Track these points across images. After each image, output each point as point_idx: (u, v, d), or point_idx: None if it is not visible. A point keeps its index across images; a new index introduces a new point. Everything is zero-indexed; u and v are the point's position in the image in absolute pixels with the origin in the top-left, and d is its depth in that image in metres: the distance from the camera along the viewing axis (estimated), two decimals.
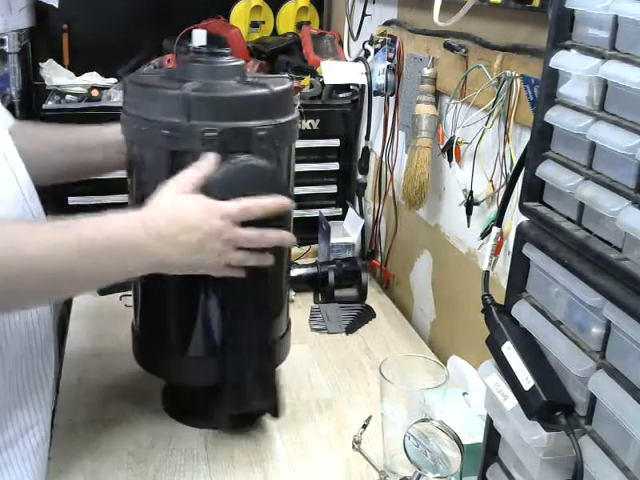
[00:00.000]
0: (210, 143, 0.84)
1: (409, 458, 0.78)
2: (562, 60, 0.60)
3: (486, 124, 1.06)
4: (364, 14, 1.57)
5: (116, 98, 1.69)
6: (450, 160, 1.18)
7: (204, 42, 0.97)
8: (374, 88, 1.48)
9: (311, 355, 1.26)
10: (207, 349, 0.98)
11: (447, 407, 0.92)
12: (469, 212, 1.15)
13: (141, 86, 0.91)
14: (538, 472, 0.62)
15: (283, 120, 0.90)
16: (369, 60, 1.51)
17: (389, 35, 1.45)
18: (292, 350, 1.22)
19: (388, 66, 1.44)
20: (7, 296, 0.72)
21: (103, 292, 1.43)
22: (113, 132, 0.96)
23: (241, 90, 0.90)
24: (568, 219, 0.61)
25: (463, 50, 1.14)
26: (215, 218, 0.81)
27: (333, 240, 1.54)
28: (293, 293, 1.42)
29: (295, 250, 1.61)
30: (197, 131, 0.84)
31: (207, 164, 0.84)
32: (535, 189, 0.65)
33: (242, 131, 0.86)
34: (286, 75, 1.02)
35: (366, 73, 1.51)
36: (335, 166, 1.75)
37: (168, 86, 0.88)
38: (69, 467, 0.96)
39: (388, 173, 1.52)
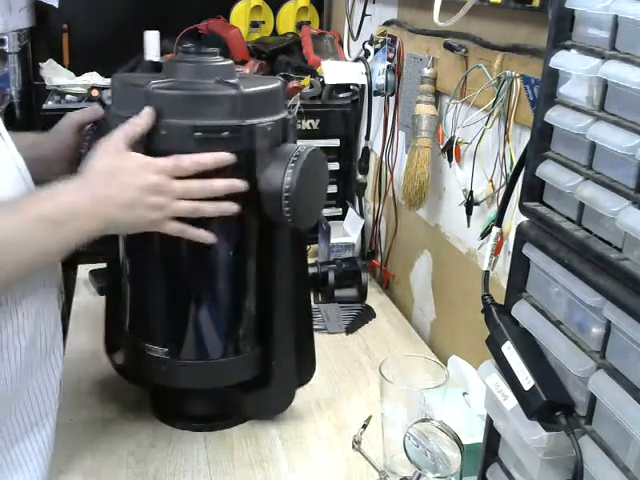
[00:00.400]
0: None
1: (409, 458, 0.78)
2: (562, 60, 0.60)
3: (486, 124, 1.06)
4: (364, 14, 1.57)
5: None
6: (450, 160, 1.18)
7: (157, 43, 0.95)
8: (374, 88, 1.48)
9: None
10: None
11: (447, 407, 0.91)
12: (469, 212, 1.15)
13: (122, 84, 0.92)
14: (538, 472, 0.62)
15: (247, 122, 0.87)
16: (369, 60, 1.51)
17: (389, 35, 1.45)
18: None
19: (388, 66, 1.44)
20: None
21: (103, 292, 1.43)
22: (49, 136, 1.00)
23: (210, 90, 0.88)
24: (568, 219, 0.61)
25: (463, 50, 1.14)
26: (149, 173, 0.82)
27: (333, 240, 1.54)
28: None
29: None
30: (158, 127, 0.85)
31: (140, 120, 0.84)
32: (535, 189, 0.65)
33: (184, 130, 0.85)
34: (278, 77, 1.01)
35: (366, 73, 1.51)
36: (335, 166, 1.75)
37: (138, 83, 0.88)
38: (69, 467, 0.96)
39: (388, 173, 1.52)
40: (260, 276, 0.97)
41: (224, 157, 0.85)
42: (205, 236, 0.87)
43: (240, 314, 0.99)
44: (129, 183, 0.81)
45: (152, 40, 0.95)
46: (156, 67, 0.95)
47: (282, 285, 0.98)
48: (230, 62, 0.94)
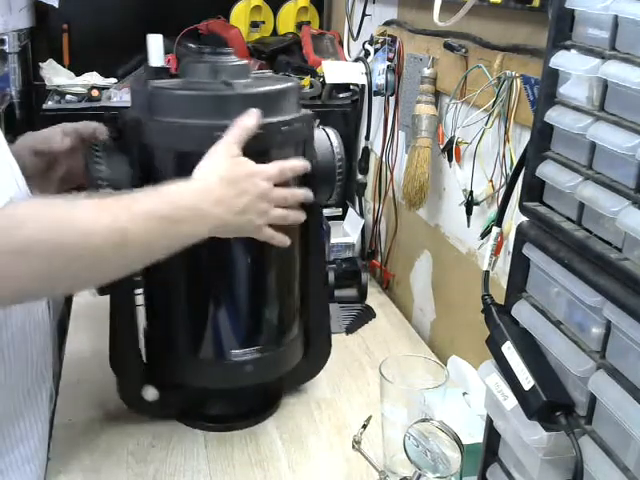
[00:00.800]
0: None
1: (409, 458, 0.78)
2: (562, 60, 0.60)
3: (486, 124, 1.06)
4: (364, 14, 1.57)
5: (116, 98, 1.69)
6: (450, 160, 1.18)
7: (160, 47, 0.95)
8: (374, 88, 1.48)
9: None
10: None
11: (447, 407, 0.91)
12: (469, 212, 1.15)
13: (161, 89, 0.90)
14: (538, 472, 0.62)
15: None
16: (369, 60, 1.51)
17: (389, 35, 1.45)
18: None
19: (388, 66, 1.44)
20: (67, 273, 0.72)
21: (103, 292, 1.43)
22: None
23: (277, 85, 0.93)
24: (568, 219, 0.61)
25: (463, 50, 1.14)
26: (261, 180, 0.86)
27: (333, 240, 1.54)
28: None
29: None
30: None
31: (249, 121, 0.86)
32: (535, 189, 0.65)
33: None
34: (287, 76, 1.03)
35: (366, 73, 1.51)
36: None
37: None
38: (69, 467, 0.96)
39: (388, 173, 1.52)
40: (298, 261, 1.03)
41: (306, 164, 0.92)
42: (286, 240, 0.93)
43: (285, 303, 1.04)
44: (246, 190, 0.85)
45: (155, 44, 0.93)
46: (162, 72, 0.94)
47: (318, 267, 1.06)
48: (246, 61, 0.97)
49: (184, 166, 0.86)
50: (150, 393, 0.99)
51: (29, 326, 0.86)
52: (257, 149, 0.87)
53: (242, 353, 0.98)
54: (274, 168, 0.88)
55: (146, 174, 0.89)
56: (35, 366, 0.88)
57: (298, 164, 0.91)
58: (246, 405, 1.08)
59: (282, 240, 0.92)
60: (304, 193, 0.93)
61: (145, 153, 0.90)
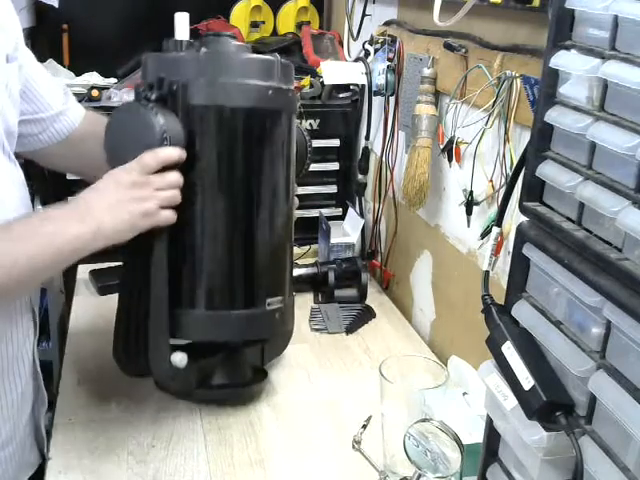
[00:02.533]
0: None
1: (409, 458, 0.78)
2: (562, 60, 0.60)
3: (486, 124, 1.06)
4: (364, 14, 1.57)
5: (116, 98, 1.69)
6: (450, 160, 1.18)
7: (187, 24, 1.03)
8: (374, 88, 1.48)
9: (311, 355, 1.26)
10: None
11: (447, 407, 0.91)
12: (469, 212, 1.15)
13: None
14: (538, 472, 0.62)
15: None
16: (369, 60, 1.51)
17: (389, 35, 1.45)
18: (292, 350, 1.23)
19: (388, 66, 1.43)
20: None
21: (103, 292, 1.43)
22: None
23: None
24: (568, 219, 0.61)
25: (463, 50, 1.14)
26: (121, 175, 0.90)
27: (333, 240, 1.54)
28: (293, 293, 1.42)
29: (295, 250, 1.61)
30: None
31: (164, 152, 0.91)
32: (535, 189, 0.65)
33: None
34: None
35: (366, 73, 1.51)
36: (335, 166, 1.75)
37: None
38: (69, 467, 0.96)
39: (388, 173, 1.52)
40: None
41: (182, 153, 0.93)
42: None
43: (289, 254, 1.10)
44: (105, 186, 0.90)
45: (182, 20, 1.03)
46: (186, 45, 1.00)
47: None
48: (248, 45, 1.07)
49: (233, 123, 0.96)
50: (179, 358, 0.98)
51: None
52: (249, 105, 0.96)
53: (274, 301, 1.02)
54: (133, 161, 0.91)
55: (191, 133, 0.95)
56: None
57: (173, 152, 0.92)
58: (239, 375, 1.10)
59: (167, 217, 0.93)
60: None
61: (193, 113, 0.95)
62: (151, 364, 0.97)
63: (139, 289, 0.97)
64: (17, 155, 0.98)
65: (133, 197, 0.89)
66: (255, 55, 1.02)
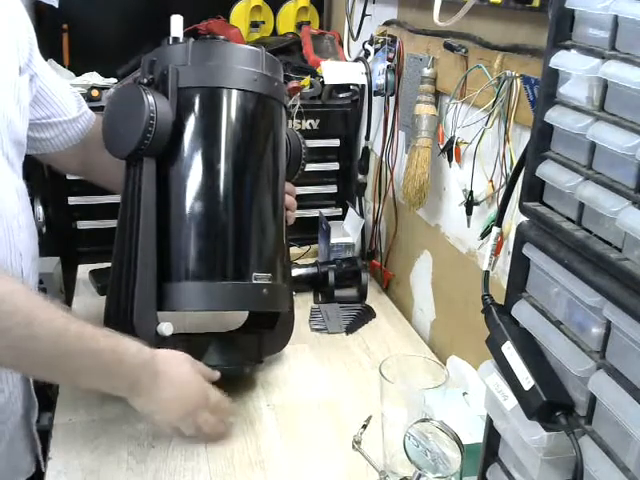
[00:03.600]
0: None
1: (409, 458, 0.78)
2: (562, 60, 0.60)
3: (486, 124, 1.06)
4: (364, 14, 1.57)
5: None
6: (450, 160, 1.18)
7: (181, 26, 1.09)
8: (374, 88, 1.48)
9: (311, 355, 1.26)
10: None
11: (447, 407, 0.91)
12: (469, 212, 1.15)
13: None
14: (538, 472, 0.62)
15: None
16: (369, 60, 1.51)
17: (389, 35, 1.45)
18: (292, 350, 1.23)
19: (388, 66, 1.43)
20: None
21: (103, 292, 1.43)
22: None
23: None
24: (568, 219, 0.61)
25: (463, 50, 1.14)
26: (203, 389, 0.93)
27: (333, 240, 1.54)
28: (293, 293, 1.42)
29: (295, 250, 1.61)
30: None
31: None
32: (535, 189, 0.65)
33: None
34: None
35: (366, 73, 1.51)
36: (335, 166, 1.75)
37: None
38: (69, 467, 0.96)
39: (388, 173, 1.52)
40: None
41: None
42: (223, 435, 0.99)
43: (283, 245, 1.15)
44: (185, 395, 0.91)
45: (177, 22, 1.10)
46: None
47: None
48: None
49: (218, 103, 1.03)
50: (165, 327, 0.99)
51: None
52: (235, 86, 1.03)
53: (261, 277, 1.04)
54: (214, 392, 0.94)
55: (180, 113, 1.01)
56: None
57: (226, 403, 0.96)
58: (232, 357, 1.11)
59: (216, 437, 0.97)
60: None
61: (182, 94, 1.02)
62: (137, 331, 0.98)
63: (129, 260, 1.00)
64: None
65: (193, 414, 0.90)
66: (241, 45, 1.08)
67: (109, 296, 1.03)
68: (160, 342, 0.98)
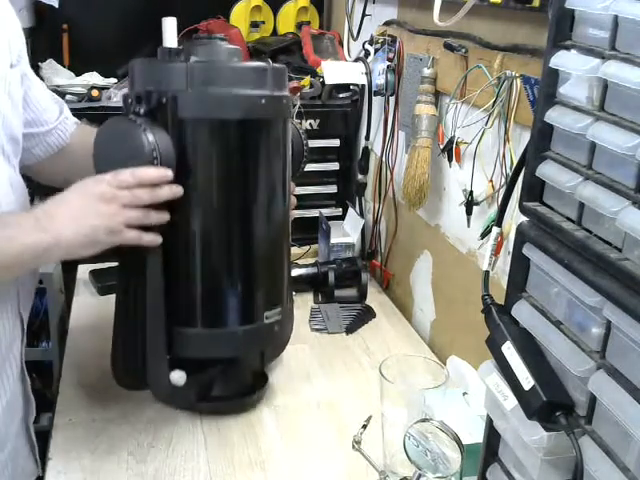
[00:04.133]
0: None
1: (409, 458, 0.78)
2: (562, 60, 0.60)
3: (486, 124, 1.06)
4: (364, 14, 1.57)
5: (116, 98, 1.69)
6: (450, 160, 1.18)
7: (175, 30, 0.98)
8: (374, 88, 1.48)
9: (311, 355, 1.26)
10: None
11: (447, 407, 0.91)
12: (469, 212, 1.15)
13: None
14: (538, 472, 0.62)
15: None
16: (369, 60, 1.51)
17: (389, 35, 1.45)
18: (292, 350, 1.22)
19: (388, 66, 1.43)
20: None
21: (103, 292, 1.43)
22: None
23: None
24: (568, 219, 0.61)
25: (463, 50, 1.14)
26: (90, 186, 0.87)
27: (333, 240, 1.54)
28: (293, 293, 1.42)
29: (295, 250, 1.61)
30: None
31: (146, 172, 0.88)
32: (535, 189, 0.65)
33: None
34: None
35: (366, 73, 1.51)
36: (335, 166, 1.75)
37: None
38: (69, 467, 0.96)
39: (388, 173, 1.52)
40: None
41: (165, 173, 0.89)
42: (156, 239, 0.91)
43: (287, 264, 1.09)
44: (71, 197, 0.87)
45: (170, 27, 0.99)
46: (176, 53, 0.96)
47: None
48: (238, 47, 1.01)
49: (225, 136, 0.94)
50: (178, 376, 0.97)
51: None
52: (242, 117, 0.94)
53: (272, 314, 1.02)
54: (120, 173, 0.87)
55: (182, 148, 0.92)
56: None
57: (153, 173, 0.88)
58: (239, 384, 1.10)
59: (151, 240, 0.91)
60: (168, 191, 0.90)
61: (184, 126, 0.92)
62: (149, 382, 0.98)
63: (135, 306, 0.96)
64: None
65: (98, 211, 0.85)
66: (246, 63, 0.98)
67: (115, 341, 1.00)
68: (175, 390, 0.98)
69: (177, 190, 0.91)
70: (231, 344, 1.00)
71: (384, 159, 1.52)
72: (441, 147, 1.21)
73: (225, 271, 0.99)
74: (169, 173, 0.89)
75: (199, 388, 1.03)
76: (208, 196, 0.96)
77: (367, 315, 1.41)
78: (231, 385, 1.09)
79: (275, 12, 2.04)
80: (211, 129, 0.94)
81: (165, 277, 0.94)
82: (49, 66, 1.84)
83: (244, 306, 1.00)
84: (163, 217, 0.91)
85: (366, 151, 1.62)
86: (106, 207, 0.86)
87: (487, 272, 0.77)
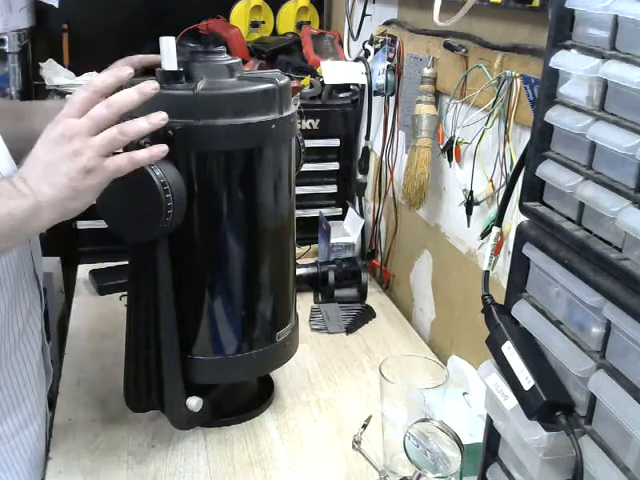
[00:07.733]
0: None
1: (409, 458, 0.78)
2: (562, 60, 0.60)
3: (486, 124, 1.06)
4: (364, 14, 1.57)
5: None
6: (450, 160, 1.18)
7: (174, 50, 0.90)
8: (374, 88, 1.48)
9: (311, 355, 1.26)
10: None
11: (447, 407, 0.92)
12: (469, 212, 1.15)
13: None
14: (538, 472, 0.62)
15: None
16: (369, 60, 1.51)
17: (389, 35, 1.45)
18: None
19: (388, 66, 1.44)
20: None
21: (103, 292, 1.44)
22: (54, 103, 0.97)
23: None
24: (568, 219, 0.61)
25: (463, 50, 1.14)
26: (50, 132, 0.75)
27: (333, 240, 1.54)
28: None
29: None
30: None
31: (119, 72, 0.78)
32: (535, 189, 0.65)
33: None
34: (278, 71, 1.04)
35: (366, 73, 1.51)
36: (335, 166, 1.76)
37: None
38: (69, 467, 0.96)
39: (388, 173, 1.52)
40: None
41: (154, 84, 0.79)
42: (152, 151, 0.80)
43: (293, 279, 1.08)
44: (40, 144, 0.76)
45: (168, 47, 0.90)
46: (176, 76, 0.90)
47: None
48: (238, 59, 0.98)
49: (237, 166, 0.92)
50: (195, 403, 0.98)
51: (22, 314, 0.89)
52: (251, 147, 0.92)
53: (283, 332, 1.03)
54: (71, 98, 0.76)
55: (193, 180, 0.90)
56: (20, 331, 0.90)
57: (104, 75, 0.77)
58: (245, 398, 1.10)
59: (145, 155, 0.79)
60: (125, 94, 0.77)
61: (193, 160, 0.90)
62: (167, 410, 0.98)
63: (147, 339, 0.96)
64: None
65: (64, 153, 0.73)
66: (254, 87, 0.91)
67: (127, 368, 0.99)
68: (192, 416, 0.99)
69: (160, 115, 0.79)
70: (245, 368, 1.01)
71: (384, 159, 1.52)
72: (441, 147, 1.21)
73: (235, 300, 0.98)
74: (122, 72, 0.78)
75: (212, 408, 1.03)
76: (219, 228, 0.95)
77: (367, 315, 1.41)
78: (240, 399, 1.10)
79: (275, 12, 2.04)
80: (221, 160, 0.92)
81: (177, 309, 0.94)
82: (49, 66, 1.84)
83: (258, 332, 1.01)
84: (145, 123, 0.78)
85: (366, 151, 1.62)
86: (69, 146, 0.74)
87: (487, 272, 0.77)
